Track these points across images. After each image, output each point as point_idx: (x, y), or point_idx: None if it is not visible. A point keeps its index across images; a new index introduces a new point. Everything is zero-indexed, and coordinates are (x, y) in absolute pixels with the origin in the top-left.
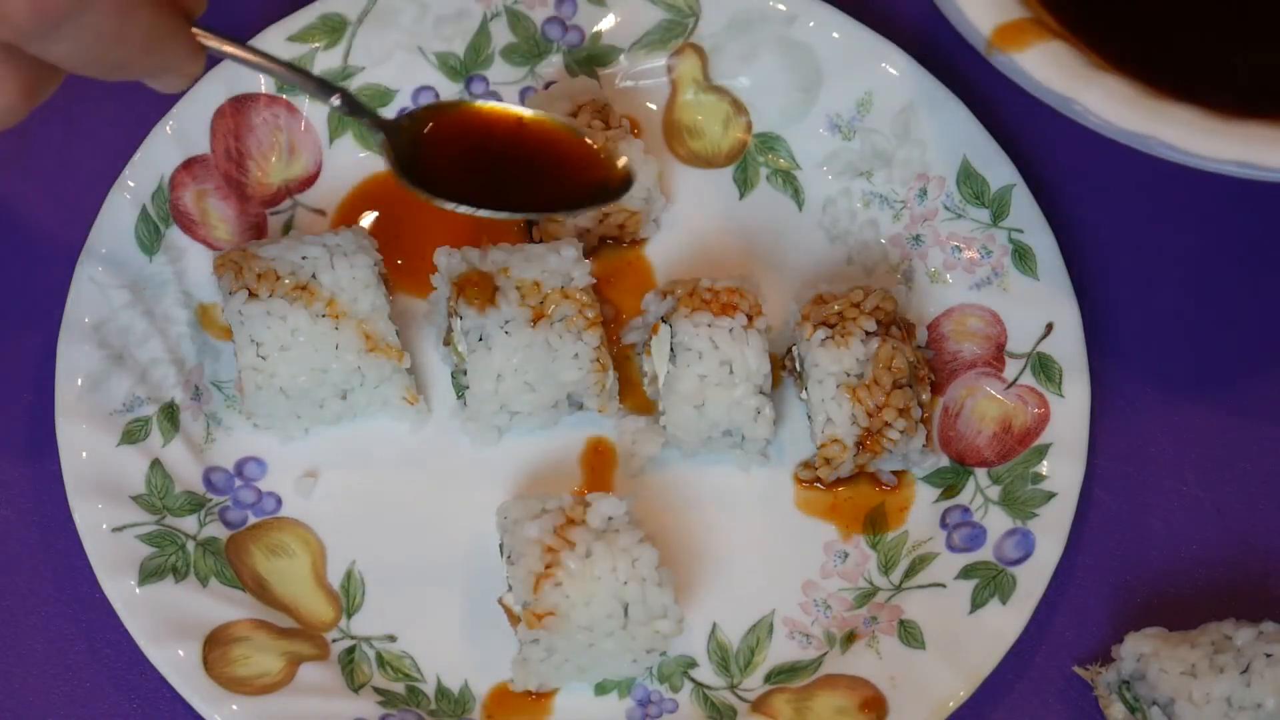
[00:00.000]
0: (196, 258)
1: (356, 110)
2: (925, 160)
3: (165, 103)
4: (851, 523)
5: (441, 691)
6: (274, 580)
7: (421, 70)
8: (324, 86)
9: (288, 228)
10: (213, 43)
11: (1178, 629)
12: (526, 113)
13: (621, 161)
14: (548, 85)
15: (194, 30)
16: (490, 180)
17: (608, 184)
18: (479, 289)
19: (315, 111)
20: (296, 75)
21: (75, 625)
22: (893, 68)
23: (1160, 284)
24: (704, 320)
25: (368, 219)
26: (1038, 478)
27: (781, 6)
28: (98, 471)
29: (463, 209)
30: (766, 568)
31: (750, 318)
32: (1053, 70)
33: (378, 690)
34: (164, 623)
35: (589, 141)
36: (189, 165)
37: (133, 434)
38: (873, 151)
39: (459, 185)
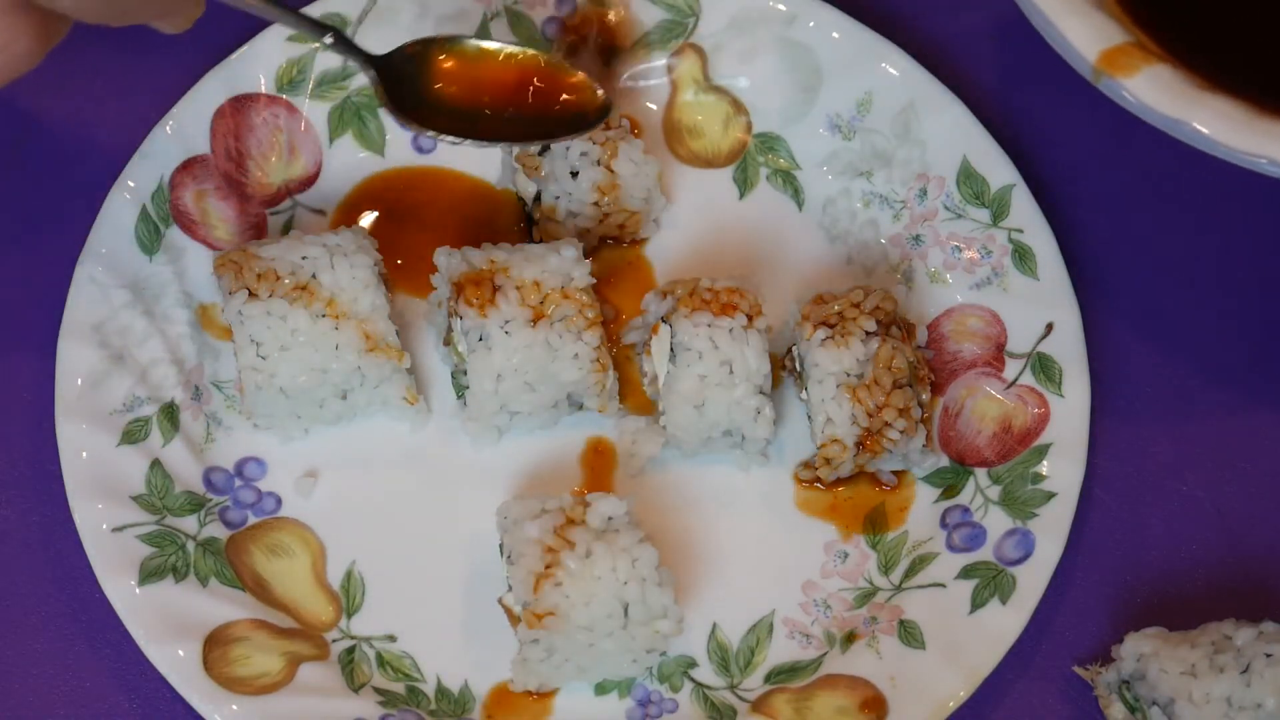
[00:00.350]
0: (196, 258)
1: (348, 48)
2: (925, 160)
3: (165, 103)
4: (851, 523)
5: (441, 691)
6: (274, 580)
7: None
8: (316, 26)
9: (288, 228)
10: None
11: (1178, 629)
12: (510, 48)
13: (601, 91)
14: None
15: None
16: (476, 112)
17: (586, 112)
18: (479, 289)
19: (315, 111)
20: (288, 16)
21: (75, 625)
22: (893, 68)
23: (1160, 284)
24: (704, 320)
25: (368, 219)
26: (1038, 478)
27: (781, 6)
28: (98, 471)
29: (447, 139)
30: (766, 568)
31: (750, 318)
32: (1162, 94)
33: (378, 690)
34: (164, 623)
35: (570, 72)
36: (189, 165)
37: (133, 434)
38: (873, 151)
39: (446, 118)
